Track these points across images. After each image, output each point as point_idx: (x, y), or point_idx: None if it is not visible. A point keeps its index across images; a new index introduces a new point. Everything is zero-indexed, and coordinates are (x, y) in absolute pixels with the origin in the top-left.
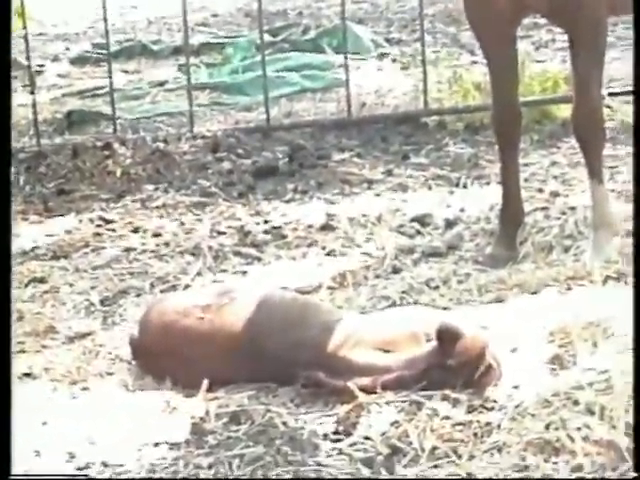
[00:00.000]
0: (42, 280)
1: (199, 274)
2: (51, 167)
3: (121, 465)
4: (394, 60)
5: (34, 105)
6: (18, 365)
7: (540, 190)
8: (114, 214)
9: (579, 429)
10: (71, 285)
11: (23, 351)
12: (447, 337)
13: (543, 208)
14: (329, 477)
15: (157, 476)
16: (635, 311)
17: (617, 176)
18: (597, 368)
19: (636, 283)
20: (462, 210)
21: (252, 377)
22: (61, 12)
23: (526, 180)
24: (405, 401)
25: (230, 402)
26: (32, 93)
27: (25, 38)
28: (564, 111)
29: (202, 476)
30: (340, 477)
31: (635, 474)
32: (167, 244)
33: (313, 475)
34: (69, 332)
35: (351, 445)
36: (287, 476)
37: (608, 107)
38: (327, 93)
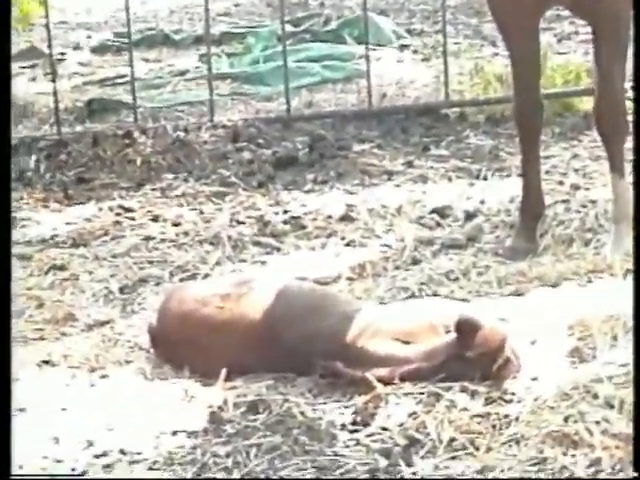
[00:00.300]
0: (62, 268)
1: (218, 263)
2: (71, 155)
3: (139, 453)
4: (415, 51)
5: (55, 93)
6: (37, 352)
7: (561, 183)
8: (134, 202)
9: (598, 423)
10: (90, 273)
11: (42, 338)
12: (466, 329)
13: (564, 201)
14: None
15: (162, 474)
16: (635, 311)
17: None
18: (617, 361)
19: (636, 283)
20: (482, 202)
21: (270, 367)
22: (83, 0)
23: (547, 173)
24: (423, 392)
25: (248, 391)
26: (53, 81)
27: (47, 26)
28: (586, 104)
29: (220, 464)
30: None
31: (635, 474)
32: (186, 233)
33: (328, 465)
34: (88, 320)
35: (369, 436)
36: (305, 465)
37: (631, 100)
38: (348, 84)
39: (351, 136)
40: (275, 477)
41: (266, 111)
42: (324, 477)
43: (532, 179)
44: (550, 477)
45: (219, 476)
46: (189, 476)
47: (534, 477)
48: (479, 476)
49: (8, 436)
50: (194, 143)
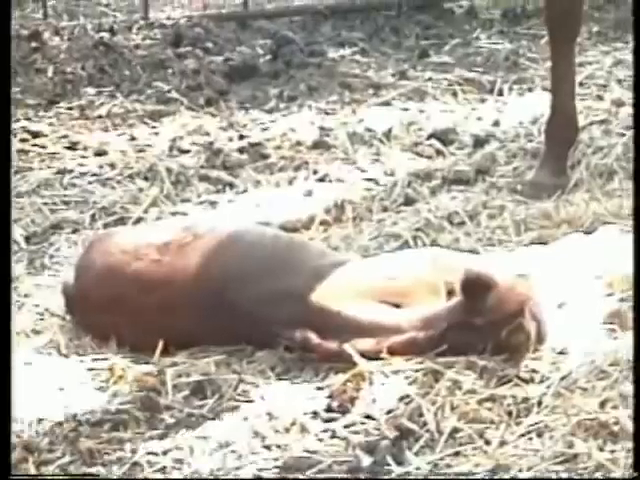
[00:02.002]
0: None
1: (154, 204)
2: None
3: (50, 451)
4: None
5: None
6: None
7: (599, 98)
8: (44, 125)
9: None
10: None
11: None
12: (474, 289)
13: (602, 121)
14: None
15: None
16: (635, 311)
17: None
18: None
19: (636, 284)
20: (496, 124)
21: (221, 337)
22: None
23: (581, 85)
24: (419, 370)
25: (192, 370)
26: None
27: None
28: None
29: (155, 463)
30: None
31: (635, 474)
32: (113, 165)
33: (296, 463)
34: None
35: (348, 426)
36: (267, 464)
37: None
38: None
39: (326, 38)
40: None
41: (217, 6)
42: (302, 477)
43: (563, 93)
44: (582, 477)
45: (155, 477)
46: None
47: (562, 477)
48: (490, 476)
49: (8, 436)
50: (122, 47)
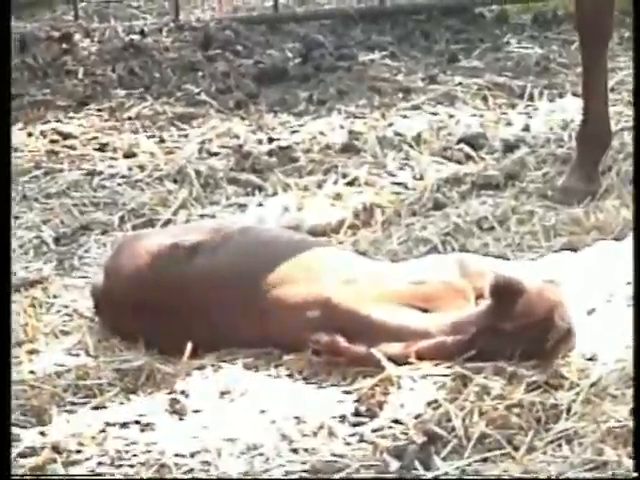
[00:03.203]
0: None
1: (183, 206)
2: None
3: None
4: None
5: None
6: None
7: (630, 103)
8: (74, 127)
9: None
10: (17, 218)
11: None
12: (503, 293)
13: (634, 127)
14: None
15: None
16: (635, 311)
17: None
18: None
19: (636, 285)
20: (526, 129)
21: (249, 340)
22: None
23: (613, 90)
24: (447, 375)
25: (220, 373)
26: None
27: None
28: None
29: (183, 465)
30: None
31: (635, 474)
32: (142, 167)
33: (323, 467)
34: (14, 279)
35: (376, 430)
36: (294, 467)
37: None
38: None
39: (356, 42)
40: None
41: (247, 8)
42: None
43: (595, 99)
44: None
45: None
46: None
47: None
48: None
49: (8, 436)
50: (153, 49)
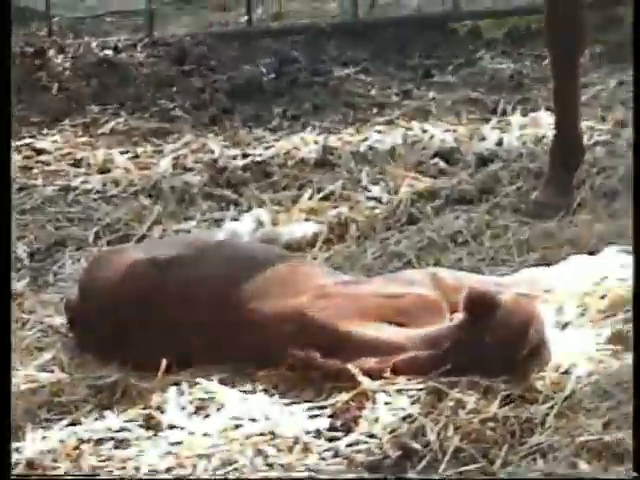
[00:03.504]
0: None
1: (158, 222)
2: None
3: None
4: None
5: None
6: None
7: (603, 119)
8: (48, 142)
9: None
10: None
11: None
12: (478, 308)
13: (606, 142)
14: None
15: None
16: (635, 311)
17: None
18: None
19: (636, 286)
20: (500, 144)
21: (225, 355)
22: None
23: (585, 105)
24: (422, 389)
25: (196, 388)
26: None
27: None
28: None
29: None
30: None
31: (635, 474)
32: (117, 183)
33: None
34: None
35: (351, 445)
36: None
37: None
38: None
39: (330, 58)
40: None
41: (221, 23)
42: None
43: (567, 114)
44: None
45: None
46: None
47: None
48: None
49: (8, 436)
50: (127, 65)
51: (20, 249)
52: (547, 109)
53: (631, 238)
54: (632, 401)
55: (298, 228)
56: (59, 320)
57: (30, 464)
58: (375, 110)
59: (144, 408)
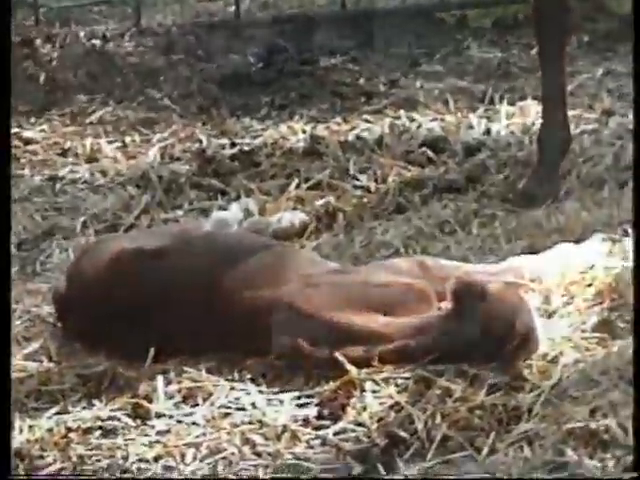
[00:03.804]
0: None
1: (146, 211)
2: None
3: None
4: None
5: None
6: None
7: (590, 107)
8: (35, 132)
9: (635, 418)
10: None
11: None
12: (465, 297)
13: (593, 131)
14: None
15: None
16: (635, 311)
17: None
18: None
19: (636, 287)
20: (487, 133)
21: (212, 344)
22: None
23: (572, 94)
24: (409, 378)
25: (184, 377)
26: None
27: None
28: (624, 5)
29: (146, 470)
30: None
31: (635, 474)
32: (104, 172)
33: (289, 471)
34: None
35: (338, 433)
36: (259, 473)
37: None
38: None
39: (318, 47)
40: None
41: (208, 13)
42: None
43: (554, 102)
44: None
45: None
46: None
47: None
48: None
49: (8, 436)
50: (115, 55)
51: None
52: (534, 98)
53: (631, 232)
54: (632, 403)
55: (286, 217)
56: (47, 309)
57: (18, 453)
58: (363, 99)
59: (132, 397)
